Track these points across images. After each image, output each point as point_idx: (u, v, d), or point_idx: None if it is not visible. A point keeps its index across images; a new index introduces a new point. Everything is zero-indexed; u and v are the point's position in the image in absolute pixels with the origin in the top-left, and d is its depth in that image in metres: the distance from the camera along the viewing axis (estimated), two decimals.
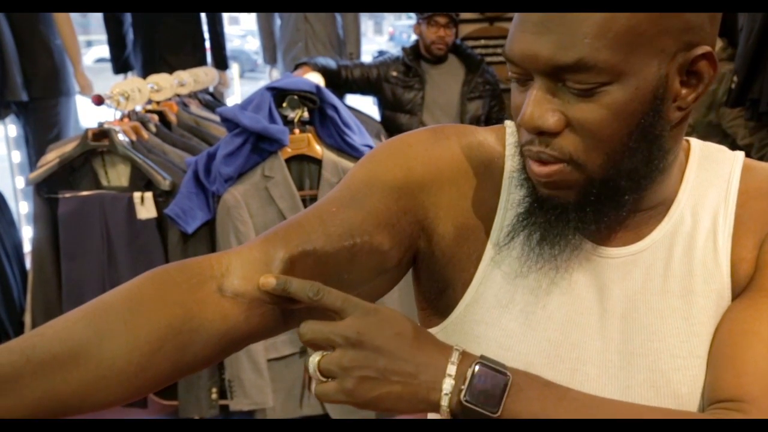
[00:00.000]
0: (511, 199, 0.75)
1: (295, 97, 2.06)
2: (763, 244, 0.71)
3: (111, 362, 0.61)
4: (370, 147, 2.13)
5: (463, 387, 0.61)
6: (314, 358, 0.63)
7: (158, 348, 0.62)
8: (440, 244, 0.75)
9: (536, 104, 0.63)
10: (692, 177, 0.74)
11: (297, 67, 2.95)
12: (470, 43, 3.63)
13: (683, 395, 0.70)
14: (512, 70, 0.66)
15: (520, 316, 0.73)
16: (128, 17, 3.84)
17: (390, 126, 3.08)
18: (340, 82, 3.01)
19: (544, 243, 0.70)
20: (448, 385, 0.61)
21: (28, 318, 2.28)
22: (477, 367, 0.62)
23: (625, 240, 0.73)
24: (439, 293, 0.77)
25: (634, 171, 0.66)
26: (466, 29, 3.80)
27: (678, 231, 0.73)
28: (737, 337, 0.67)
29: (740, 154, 0.76)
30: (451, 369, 0.62)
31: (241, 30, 18.98)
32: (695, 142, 0.77)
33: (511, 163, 0.76)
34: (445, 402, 0.61)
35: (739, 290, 0.71)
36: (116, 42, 3.89)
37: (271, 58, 4.28)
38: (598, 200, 0.67)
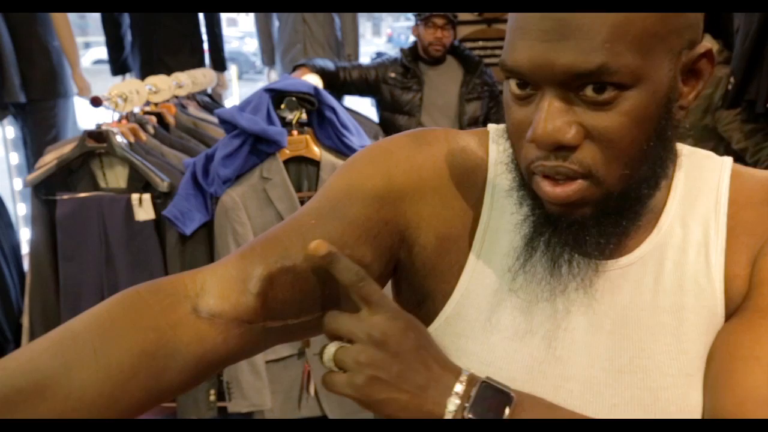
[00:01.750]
0: (495, 208, 0.73)
1: (293, 98, 2.06)
2: (756, 260, 0.68)
3: (81, 393, 0.56)
4: None
5: (467, 405, 0.60)
6: (331, 348, 0.62)
7: (131, 376, 0.58)
8: (421, 255, 0.73)
9: (553, 116, 0.59)
10: (680, 185, 0.72)
11: (295, 68, 2.95)
12: (468, 44, 3.63)
13: (672, 414, 0.67)
14: (515, 83, 0.62)
15: (503, 331, 0.71)
16: (126, 19, 3.84)
17: (388, 127, 3.08)
18: (339, 83, 3.02)
19: (559, 264, 0.68)
20: (452, 405, 0.60)
21: (25, 320, 2.28)
22: (481, 387, 0.61)
23: (612, 252, 0.69)
24: (419, 304, 0.75)
25: (649, 178, 0.65)
26: (464, 31, 3.81)
27: (668, 243, 0.70)
28: (737, 362, 0.64)
29: (728, 160, 0.74)
30: (459, 388, 0.61)
31: (240, 32, 19.01)
32: (683, 148, 0.74)
33: (494, 171, 0.74)
34: (448, 417, 0.60)
35: (733, 308, 0.68)
36: (114, 44, 3.89)
37: (269, 60, 4.28)
38: (617, 213, 0.65)
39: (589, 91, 0.58)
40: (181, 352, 0.61)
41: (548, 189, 0.62)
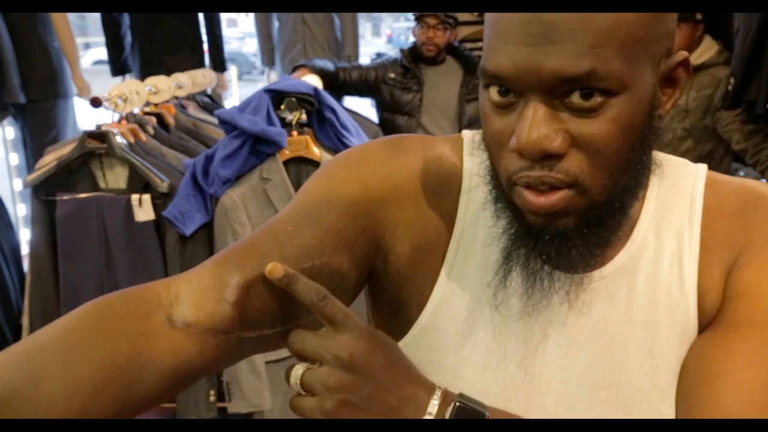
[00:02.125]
0: (469, 220, 0.72)
1: (293, 99, 2.06)
2: (730, 273, 0.66)
3: (49, 407, 0.53)
4: None
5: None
6: (298, 370, 0.61)
7: (102, 389, 0.55)
8: (396, 264, 0.72)
9: (538, 124, 0.57)
10: (655, 194, 0.71)
11: (295, 69, 2.95)
12: (468, 45, 3.63)
13: None
14: (496, 90, 0.60)
15: (478, 344, 0.70)
16: (126, 19, 3.84)
17: (388, 128, 3.08)
18: (338, 84, 3.02)
19: (540, 278, 0.67)
20: None
21: (25, 321, 2.28)
22: (456, 404, 0.60)
23: (585, 265, 0.67)
24: (394, 313, 0.75)
25: (632, 187, 0.64)
26: (464, 31, 3.80)
27: (641, 255, 0.69)
28: (710, 378, 0.63)
29: (703, 168, 0.73)
30: (432, 407, 0.60)
31: (240, 32, 19.02)
32: (657, 155, 0.70)
33: (469, 183, 0.73)
34: None
35: (706, 321, 0.67)
36: (114, 44, 3.89)
37: (269, 61, 4.28)
38: (599, 223, 0.63)
39: (575, 98, 0.57)
40: (154, 363, 0.58)
41: (532, 199, 0.60)
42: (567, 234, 0.63)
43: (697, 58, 2.60)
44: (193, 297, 0.61)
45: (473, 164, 0.73)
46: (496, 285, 0.69)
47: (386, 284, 0.74)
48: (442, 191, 0.72)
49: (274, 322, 0.65)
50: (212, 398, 2.23)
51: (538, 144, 0.57)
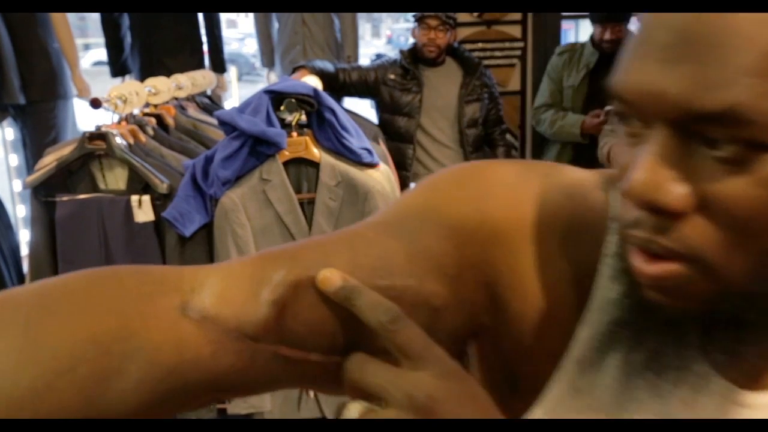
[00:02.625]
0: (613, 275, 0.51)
1: (293, 100, 2.06)
2: None
3: None
4: (368, 150, 2.13)
5: None
6: (353, 410, 0.45)
7: (67, 368, 0.41)
8: (513, 329, 0.53)
9: (653, 165, 0.41)
10: None
11: (295, 70, 2.95)
12: (468, 46, 3.63)
13: None
14: (623, 114, 0.45)
15: None
16: (126, 20, 3.84)
17: (388, 129, 3.08)
18: (338, 85, 3.02)
19: (648, 371, 0.49)
20: None
21: None
22: None
23: (745, 378, 0.49)
24: (511, 390, 0.56)
25: None
26: (463, 32, 3.81)
27: None
28: None
29: None
30: None
31: (239, 33, 19.03)
32: None
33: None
34: None
35: None
36: (114, 45, 3.89)
37: (268, 62, 4.28)
38: (738, 321, 0.47)
39: (714, 142, 0.39)
40: (146, 353, 0.43)
41: (638, 264, 0.44)
42: (684, 324, 0.48)
43: None
44: (222, 285, 0.47)
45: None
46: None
47: (498, 351, 0.55)
48: (583, 235, 0.52)
49: (325, 346, 0.48)
50: None
51: (645, 192, 0.41)
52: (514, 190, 0.54)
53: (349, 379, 0.46)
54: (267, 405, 2.16)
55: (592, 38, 3.20)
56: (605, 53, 3.14)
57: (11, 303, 0.43)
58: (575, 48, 3.28)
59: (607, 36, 3.09)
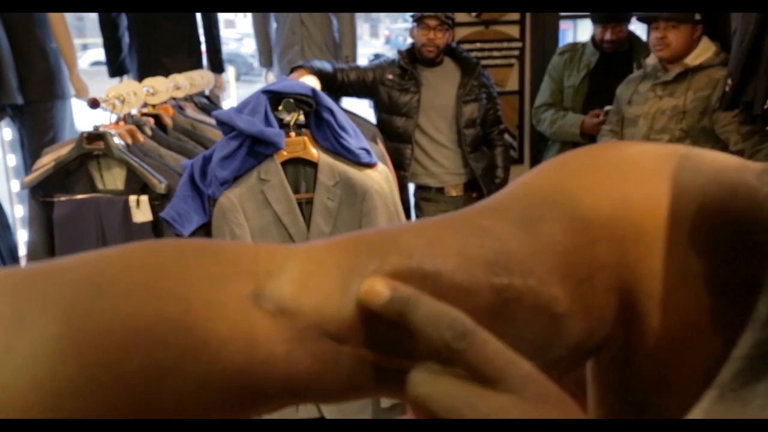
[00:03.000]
0: None
1: (291, 100, 2.07)
2: None
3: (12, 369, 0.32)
4: (366, 150, 2.13)
5: None
6: None
7: (114, 362, 0.33)
8: (648, 345, 0.43)
9: None
10: None
11: (293, 70, 2.95)
12: (466, 46, 3.63)
13: None
14: None
15: None
16: (124, 20, 3.84)
17: (386, 129, 3.08)
18: (336, 85, 3.02)
19: None
20: None
21: None
22: None
23: None
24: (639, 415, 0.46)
25: None
26: (461, 32, 3.81)
27: None
28: None
29: None
30: None
31: (238, 33, 19.03)
32: None
33: None
34: None
35: None
36: (112, 45, 3.89)
37: (267, 62, 4.28)
38: None
39: None
40: (210, 348, 0.35)
41: None
42: None
43: (695, 59, 2.61)
44: (304, 271, 0.39)
45: None
46: None
47: (630, 373, 0.45)
48: (745, 238, 0.41)
49: (423, 351, 0.38)
50: None
51: None
52: (663, 178, 0.44)
53: (414, 395, 0.36)
54: None
55: (593, 38, 3.21)
56: (606, 53, 3.14)
57: (57, 277, 0.36)
58: (576, 48, 3.28)
59: (608, 36, 3.10)
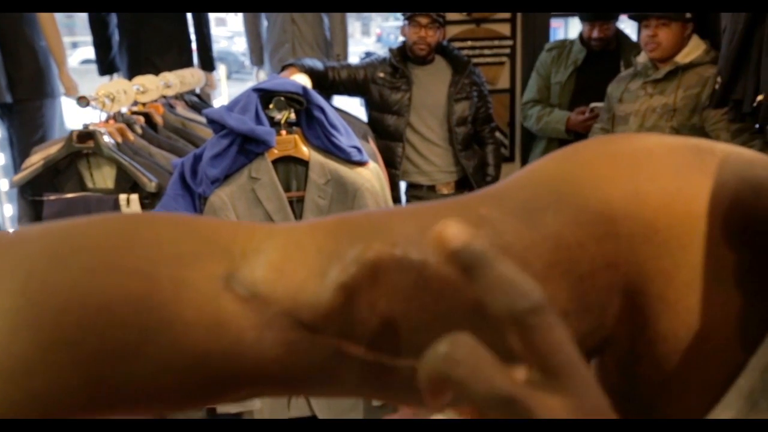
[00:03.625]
0: None
1: (282, 98, 2.06)
2: None
3: None
4: (357, 148, 2.13)
5: None
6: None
7: (70, 341, 0.32)
8: (656, 349, 0.40)
9: None
10: None
11: (284, 68, 2.95)
12: (457, 44, 3.63)
13: None
14: None
15: None
16: (114, 18, 3.83)
17: (377, 127, 3.08)
18: (327, 83, 3.01)
19: None
20: None
21: None
22: None
23: None
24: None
25: None
26: (452, 31, 3.81)
27: None
28: None
29: None
30: None
31: (228, 31, 18.98)
32: None
33: None
34: None
35: None
36: (102, 43, 3.87)
37: (258, 60, 4.27)
38: None
39: None
40: (172, 332, 0.33)
41: None
42: None
43: (685, 57, 2.62)
44: (280, 254, 0.37)
45: None
46: None
47: (635, 377, 0.42)
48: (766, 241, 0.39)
49: (405, 346, 0.37)
50: None
51: None
52: (686, 178, 0.40)
53: (429, 371, 0.28)
54: (257, 404, 2.16)
55: (581, 36, 3.22)
56: (593, 51, 3.16)
57: (18, 247, 0.34)
58: (564, 45, 3.30)
59: (596, 34, 3.11)
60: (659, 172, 0.41)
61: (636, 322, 0.40)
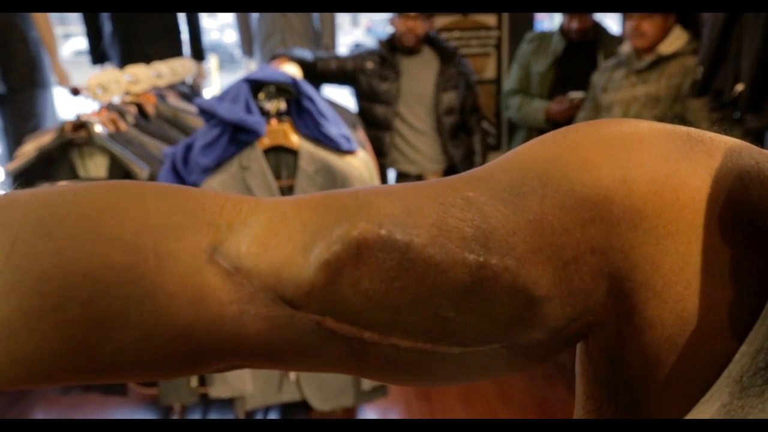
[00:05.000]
0: None
1: (271, 88, 2.10)
2: None
3: None
4: (346, 137, 2.17)
5: None
6: None
7: (53, 308, 0.33)
8: (642, 337, 0.40)
9: None
10: None
11: (273, 58, 2.98)
12: (444, 34, 3.68)
13: None
14: None
15: None
16: None
17: (366, 116, 3.12)
18: (317, 73, 3.05)
19: None
20: None
21: None
22: None
23: None
24: (627, 414, 0.43)
25: None
26: (440, 21, 3.85)
27: None
28: None
29: None
30: None
31: (219, 23, 18.89)
32: None
33: None
34: None
35: None
36: (94, 33, 3.89)
37: (248, 51, 4.30)
38: None
39: None
40: (154, 303, 0.34)
41: None
42: None
43: (668, 47, 2.66)
44: (266, 228, 0.37)
45: None
46: None
47: (620, 364, 0.42)
48: (758, 231, 0.39)
49: (385, 323, 0.38)
50: (194, 384, 2.26)
51: None
52: (676, 165, 0.40)
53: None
54: (249, 387, 2.21)
55: (561, 27, 3.27)
56: (572, 42, 3.20)
57: (5, 211, 0.34)
58: (544, 36, 3.34)
59: (575, 26, 3.16)
60: (648, 159, 0.40)
61: (622, 309, 0.40)
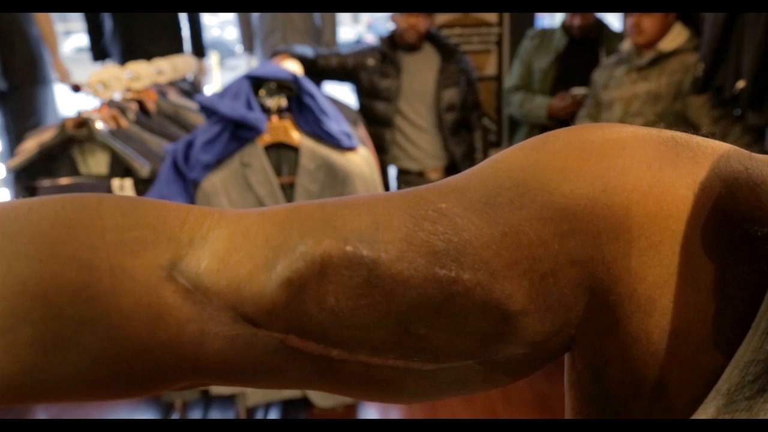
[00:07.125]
0: None
1: (272, 85, 2.10)
2: None
3: None
4: (347, 134, 2.17)
5: None
6: None
7: (5, 329, 0.32)
8: (627, 351, 0.38)
9: None
10: None
11: (274, 55, 2.98)
12: (445, 31, 3.67)
13: None
14: None
15: None
16: None
17: (367, 113, 3.12)
18: (318, 70, 3.05)
19: None
20: None
21: None
22: None
23: None
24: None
25: None
26: (441, 18, 3.85)
27: None
28: None
29: None
30: None
31: (219, 20, 18.89)
32: None
33: None
34: None
35: None
36: (94, 30, 3.89)
37: (249, 47, 4.30)
38: None
39: None
40: (109, 323, 0.33)
41: None
42: None
43: (669, 44, 2.66)
44: (227, 244, 0.36)
45: None
46: None
47: (604, 379, 0.40)
48: (746, 241, 0.37)
49: (353, 340, 0.36)
50: None
51: None
52: (660, 173, 0.38)
53: None
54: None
55: (563, 23, 3.26)
56: (574, 38, 3.20)
57: None
58: (546, 32, 3.34)
59: (577, 22, 3.16)
60: (630, 167, 0.38)
61: (605, 323, 0.38)
